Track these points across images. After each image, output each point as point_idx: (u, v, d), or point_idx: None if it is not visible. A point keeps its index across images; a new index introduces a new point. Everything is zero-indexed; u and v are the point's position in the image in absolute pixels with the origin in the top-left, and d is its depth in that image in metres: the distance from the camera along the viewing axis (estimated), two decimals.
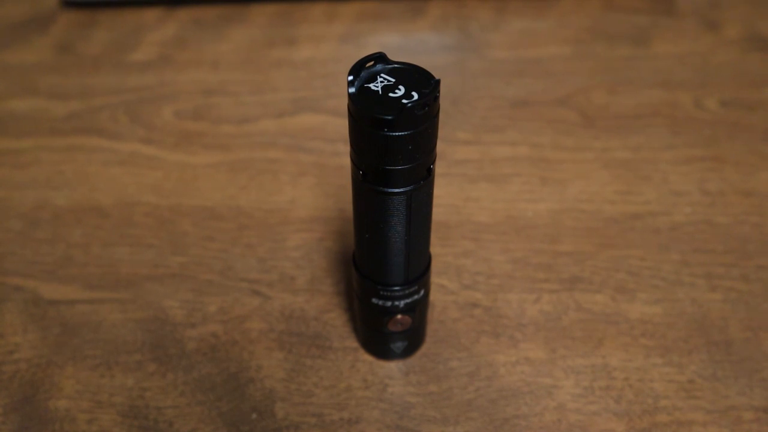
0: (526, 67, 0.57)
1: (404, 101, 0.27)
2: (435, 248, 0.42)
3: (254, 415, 0.36)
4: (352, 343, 0.38)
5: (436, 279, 0.41)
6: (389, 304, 0.34)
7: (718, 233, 0.44)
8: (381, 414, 0.35)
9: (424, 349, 0.38)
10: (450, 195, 0.46)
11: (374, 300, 0.34)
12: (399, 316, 0.34)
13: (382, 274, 0.33)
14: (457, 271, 0.42)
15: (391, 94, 0.27)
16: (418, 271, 0.33)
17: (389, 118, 0.26)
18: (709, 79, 0.55)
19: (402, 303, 0.34)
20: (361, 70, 0.28)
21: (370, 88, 0.27)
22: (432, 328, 0.39)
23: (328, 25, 0.62)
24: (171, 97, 0.55)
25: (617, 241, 0.43)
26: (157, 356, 0.38)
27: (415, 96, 0.27)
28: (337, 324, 0.39)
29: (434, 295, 0.40)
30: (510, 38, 0.60)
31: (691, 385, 0.36)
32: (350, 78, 0.27)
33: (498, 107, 0.53)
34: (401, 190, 0.29)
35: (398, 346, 0.37)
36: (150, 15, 0.63)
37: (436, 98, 0.27)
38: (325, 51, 0.59)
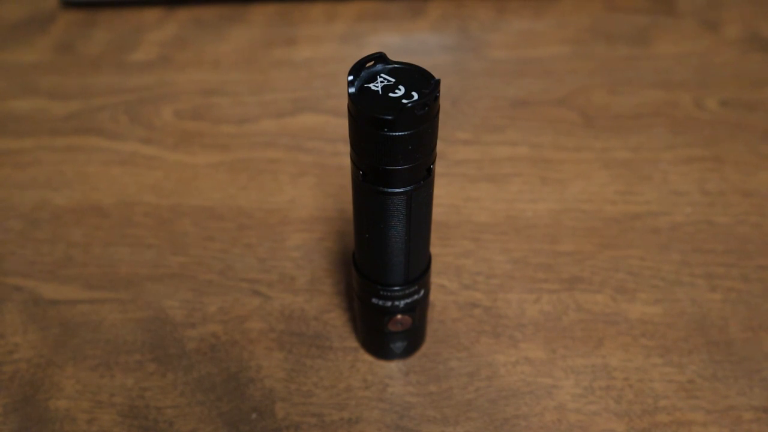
0: (526, 67, 0.57)
1: (404, 101, 0.27)
2: (435, 248, 0.42)
3: (254, 415, 0.36)
4: (352, 343, 0.39)
5: (436, 279, 0.41)
6: (389, 304, 0.34)
7: (718, 233, 0.44)
8: (381, 414, 0.35)
9: (424, 349, 0.38)
10: (450, 195, 0.46)
11: (374, 300, 0.34)
12: (399, 316, 0.34)
13: (382, 274, 0.33)
14: (457, 271, 0.42)
15: (391, 94, 0.27)
16: (418, 271, 0.33)
17: (389, 118, 0.26)
18: (709, 79, 0.55)
19: (402, 303, 0.34)
20: (361, 70, 0.28)
21: (370, 88, 0.27)
22: (432, 328, 0.39)
23: (328, 25, 0.62)
24: (171, 97, 0.55)
25: (617, 241, 0.43)
26: (157, 356, 0.38)
27: (415, 96, 0.27)
28: (337, 324, 0.39)
29: (434, 295, 0.40)
30: (510, 38, 0.60)
31: (691, 385, 0.36)
32: (350, 78, 0.27)
33: (498, 107, 0.53)
34: (401, 190, 0.29)
35: (398, 346, 0.37)
36: (150, 15, 0.63)
37: (436, 98, 0.27)
38: (325, 51, 0.59)
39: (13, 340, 0.39)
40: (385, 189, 0.29)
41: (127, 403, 0.36)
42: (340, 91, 0.55)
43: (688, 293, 0.40)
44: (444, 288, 0.41)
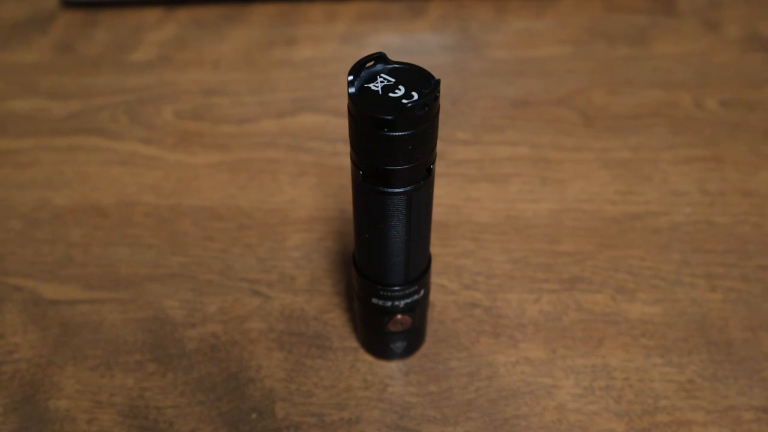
0: (526, 67, 0.57)
1: (404, 101, 0.27)
2: (435, 248, 0.42)
3: (254, 415, 0.36)
4: (352, 343, 0.39)
5: (436, 279, 0.41)
6: (389, 304, 0.34)
7: (718, 233, 0.44)
8: (381, 414, 0.35)
9: (424, 349, 0.38)
10: (450, 195, 0.46)
11: (374, 300, 0.34)
12: (399, 316, 0.34)
13: (382, 274, 0.33)
14: (457, 271, 0.42)
15: (391, 94, 0.27)
16: (418, 271, 0.33)
17: (389, 118, 0.26)
18: (709, 79, 0.55)
19: (402, 303, 0.34)
20: (361, 70, 0.28)
21: (370, 88, 0.27)
22: (432, 328, 0.39)
23: (328, 25, 0.62)
24: (171, 97, 0.55)
25: (617, 241, 0.43)
26: (157, 356, 0.38)
27: (415, 96, 0.27)
28: (337, 324, 0.39)
29: (434, 295, 0.40)
30: (510, 38, 0.60)
31: (691, 385, 0.36)
32: (350, 78, 0.27)
33: (498, 107, 0.53)
34: (401, 190, 0.29)
35: (398, 346, 0.37)
36: (150, 15, 0.63)
37: (436, 98, 0.27)
38: (325, 51, 0.59)
39: (13, 340, 0.39)
40: (385, 189, 0.29)
41: (127, 403, 0.36)
42: (340, 91, 0.55)
43: (688, 293, 0.40)
44: (444, 288, 0.41)
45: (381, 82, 0.28)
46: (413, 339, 0.37)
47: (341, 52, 0.59)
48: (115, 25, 0.62)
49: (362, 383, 0.37)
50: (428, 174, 0.29)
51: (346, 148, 0.49)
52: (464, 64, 0.58)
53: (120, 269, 0.42)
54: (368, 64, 0.28)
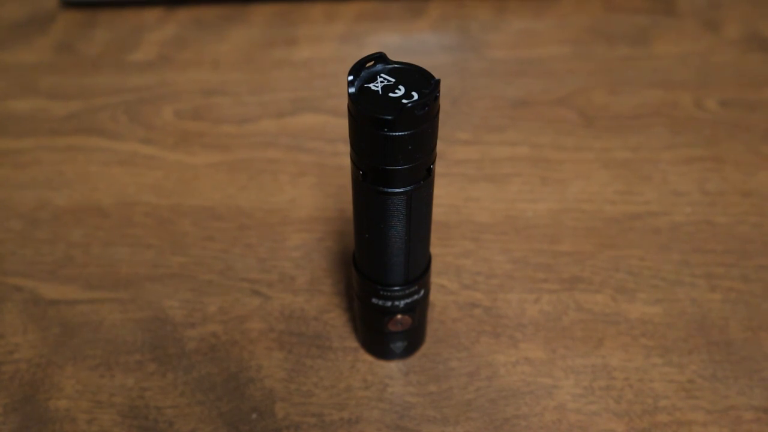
0: (526, 67, 0.57)
1: (404, 101, 0.27)
2: (435, 248, 0.42)
3: (254, 415, 0.36)
4: (352, 343, 0.39)
5: (436, 279, 0.41)
6: (389, 304, 0.34)
7: (718, 233, 0.44)
8: (381, 414, 0.35)
9: (424, 349, 0.38)
10: (450, 195, 0.46)
11: (374, 300, 0.34)
12: (399, 316, 0.34)
13: (382, 274, 0.33)
14: (457, 271, 0.42)
15: (391, 94, 0.27)
16: (418, 271, 0.33)
17: (389, 118, 0.26)
18: (709, 79, 0.55)
19: (402, 303, 0.34)
20: (361, 70, 0.28)
21: (370, 88, 0.27)
22: (432, 328, 0.39)
23: (328, 25, 0.62)
24: (171, 97, 0.55)
25: (617, 241, 0.43)
26: (157, 356, 0.38)
27: (415, 96, 0.27)
28: (337, 324, 0.39)
29: (434, 295, 0.40)
30: (510, 38, 0.60)
31: (691, 385, 0.36)
32: (350, 78, 0.27)
33: (498, 107, 0.53)
34: (401, 190, 0.29)
35: (398, 346, 0.37)
36: (150, 15, 0.63)
37: (436, 98, 0.27)
38: (325, 51, 0.59)
39: (13, 340, 0.39)
40: (385, 189, 0.29)
41: (127, 403, 0.36)
42: (340, 91, 0.55)
43: (688, 293, 0.40)
44: (444, 288, 0.41)
45: (381, 82, 0.28)
46: (413, 339, 0.37)
47: (341, 52, 0.59)
48: (115, 25, 0.62)
49: (362, 383, 0.37)
50: (428, 174, 0.29)
51: (346, 148, 0.49)
52: (464, 64, 0.58)
53: (120, 269, 0.42)
54: (368, 64, 0.28)
